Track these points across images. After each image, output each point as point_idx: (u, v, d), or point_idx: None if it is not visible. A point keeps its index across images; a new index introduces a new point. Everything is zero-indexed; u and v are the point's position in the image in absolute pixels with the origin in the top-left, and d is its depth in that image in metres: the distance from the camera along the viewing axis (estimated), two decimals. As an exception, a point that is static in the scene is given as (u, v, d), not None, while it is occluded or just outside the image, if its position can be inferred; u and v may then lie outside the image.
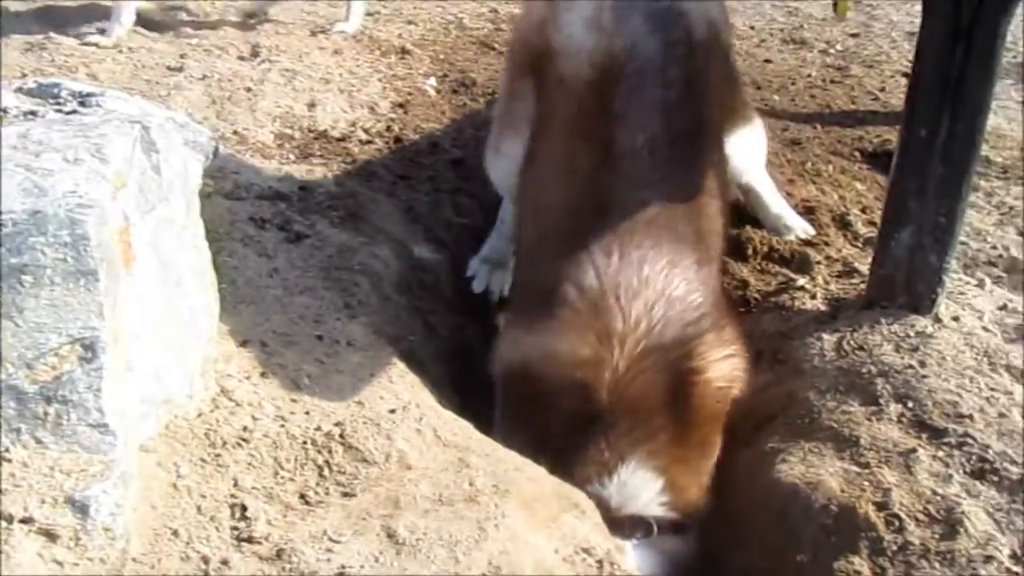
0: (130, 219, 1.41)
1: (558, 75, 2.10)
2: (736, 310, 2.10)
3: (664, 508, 1.76)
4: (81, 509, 1.22)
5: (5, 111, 1.60)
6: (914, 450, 1.72)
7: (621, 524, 1.72)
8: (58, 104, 1.67)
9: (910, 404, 1.83)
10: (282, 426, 1.60)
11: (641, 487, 1.75)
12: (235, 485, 1.46)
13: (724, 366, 1.86)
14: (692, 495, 1.80)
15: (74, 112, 1.63)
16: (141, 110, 1.65)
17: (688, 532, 1.82)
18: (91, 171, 1.34)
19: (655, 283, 1.84)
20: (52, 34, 3.26)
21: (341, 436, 1.60)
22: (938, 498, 1.63)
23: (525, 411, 1.84)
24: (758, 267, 2.41)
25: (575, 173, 2.00)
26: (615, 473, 1.74)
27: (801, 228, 2.48)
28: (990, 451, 1.70)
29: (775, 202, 2.51)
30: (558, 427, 1.78)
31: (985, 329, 2.04)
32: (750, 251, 2.45)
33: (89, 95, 1.69)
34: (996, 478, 1.66)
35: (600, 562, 1.51)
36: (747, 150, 2.35)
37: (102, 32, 3.32)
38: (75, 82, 1.82)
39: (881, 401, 1.85)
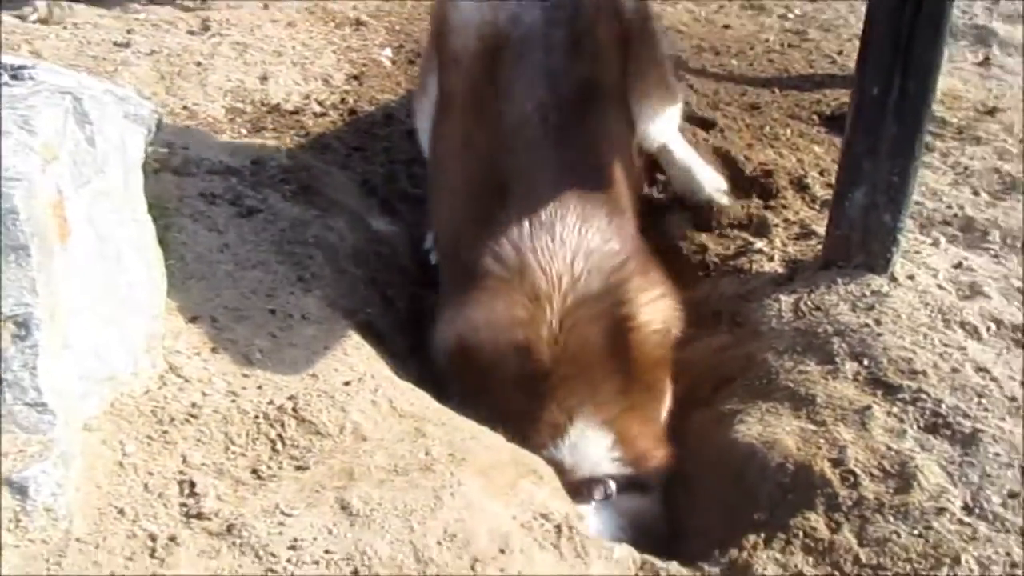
0: (64, 192, 1.36)
1: (452, 51, 2.12)
2: (657, 258, 2.08)
3: (618, 464, 1.76)
4: (20, 490, 1.19)
5: (-68, 85, 1.54)
6: (869, 407, 1.73)
7: (578, 488, 1.71)
8: (-11, 77, 1.61)
9: (866, 362, 1.84)
10: (233, 401, 1.57)
11: (591, 444, 1.74)
12: (184, 462, 1.43)
13: (656, 308, 1.88)
14: (645, 445, 1.80)
15: (5, 84, 1.57)
16: (76, 82, 1.59)
17: (651, 491, 1.82)
18: (18, 143, 1.30)
19: (570, 239, 1.86)
20: (-8, 10, 3.15)
21: (294, 409, 1.58)
22: (892, 453, 1.64)
23: (472, 387, 1.82)
24: (716, 231, 2.41)
25: (472, 149, 2.03)
26: (566, 434, 1.74)
27: (713, 186, 2.45)
28: (943, 406, 1.72)
29: (688, 158, 2.48)
30: (506, 395, 1.77)
31: (940, 287, 2.06)
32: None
33: (21, 68, 1.63)
34: (949, 432, 1.68)
35: (558, 527, 1.51)
36: (659, 118, 2.31)
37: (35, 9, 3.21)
38: (8, 56, 1.76)
39: (837, 360, 1.86)
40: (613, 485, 1.74)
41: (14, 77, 1.62)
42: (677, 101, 2.39)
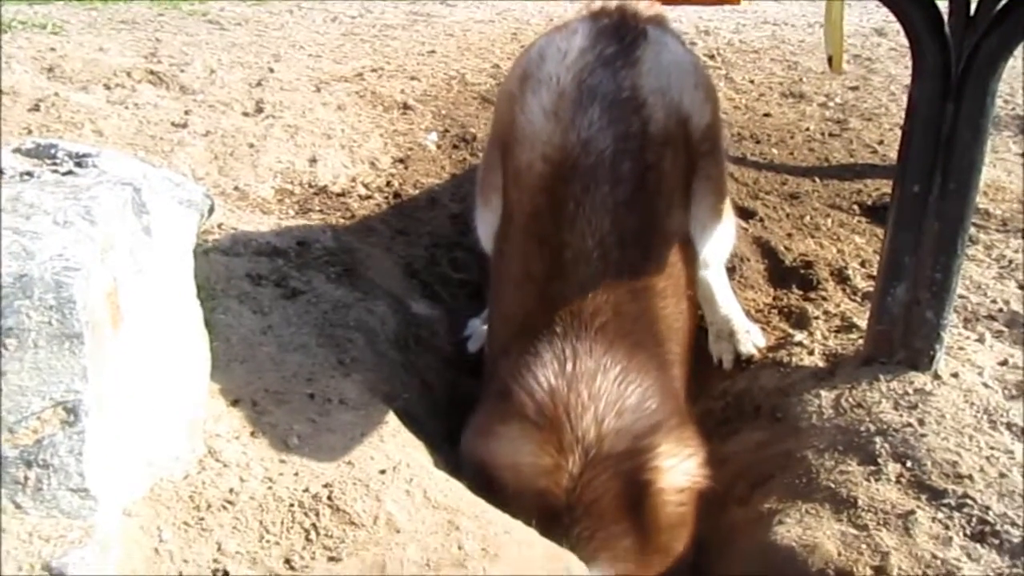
0: (119, 281, 1.41)
1: (515, 165, 2.04)
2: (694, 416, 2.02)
3: None
4: (58, 577, 1.21)
5: (1, 172, 1.61)
6: (913, 512, 1.69)
7: None
8: (55, 164, 1.68)
9: (909, 464, 1.80)
10: (269, 488, 1.58)
11: None
12: (219, 550, 1.43)
13: (680, 470, 1.83)
14: None
15: (69, 173, 1.64)
16: (136, 170, 1.66)
17: None
18: (80, 233, 1.35)
19: (607, 395, 1.82)
20: (59, 91, 3.31)
21: (329, 498, 1.58)
22: (938, 562, 1.59)
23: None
24: (755, 321, 2.40)
25: (530, 276, 1.98)
26: None
27: (751, 343, 2.32)
28: (991, 513, 1.67)
29: (727, 304, 2.35)
30: None
31: (985, 385, 2.02)
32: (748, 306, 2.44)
33: (85, 155, 1.71)
34: (997, 541, 1.63)
35: (591, 629, 1.48)
36: (712, 245, 2.19)
37: (107, 88, 3.37)
38: (72, 142, 1.84)
39: (880, 460, 1.82)
40: None
41: (78, 164, 1.70)
42: (730, 230, 2.27)
